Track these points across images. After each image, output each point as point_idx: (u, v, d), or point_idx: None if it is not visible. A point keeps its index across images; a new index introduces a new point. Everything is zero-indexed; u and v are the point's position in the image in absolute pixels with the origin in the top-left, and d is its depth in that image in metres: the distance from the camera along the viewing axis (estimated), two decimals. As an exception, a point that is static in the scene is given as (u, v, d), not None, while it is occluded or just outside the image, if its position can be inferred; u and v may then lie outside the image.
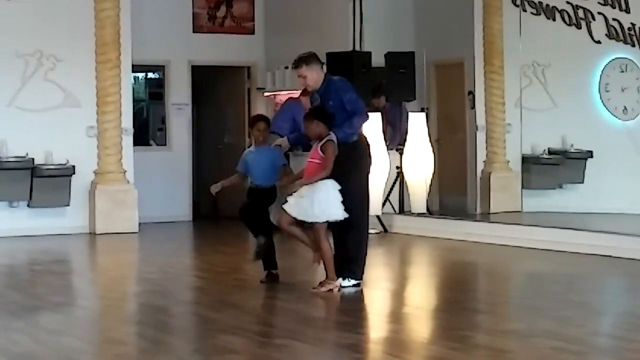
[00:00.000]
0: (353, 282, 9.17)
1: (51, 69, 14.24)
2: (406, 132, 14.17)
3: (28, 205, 14.04)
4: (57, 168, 13.96)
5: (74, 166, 14.05)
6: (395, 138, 14.44)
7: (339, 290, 8.97)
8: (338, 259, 9.13)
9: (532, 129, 14.60)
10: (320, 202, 8.84)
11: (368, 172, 9.31)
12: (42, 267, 11.52)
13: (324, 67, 14.31)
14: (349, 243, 9.13)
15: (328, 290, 8.96)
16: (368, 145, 9.32)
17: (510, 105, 14.77)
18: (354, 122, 9.09)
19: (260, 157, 9.46)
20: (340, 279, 9.06)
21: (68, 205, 14.14)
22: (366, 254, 9.30)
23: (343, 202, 8.97)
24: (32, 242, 13.37)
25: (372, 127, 13.89)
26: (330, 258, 8.99)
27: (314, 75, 9.20)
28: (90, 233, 14.16)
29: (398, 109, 14.69)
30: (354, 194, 9.04)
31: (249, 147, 10.03)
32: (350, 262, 9.16)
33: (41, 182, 13.87)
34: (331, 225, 9.11)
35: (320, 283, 9.05)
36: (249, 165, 9.58)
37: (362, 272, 9.26)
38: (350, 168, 9.02)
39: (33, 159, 13.91)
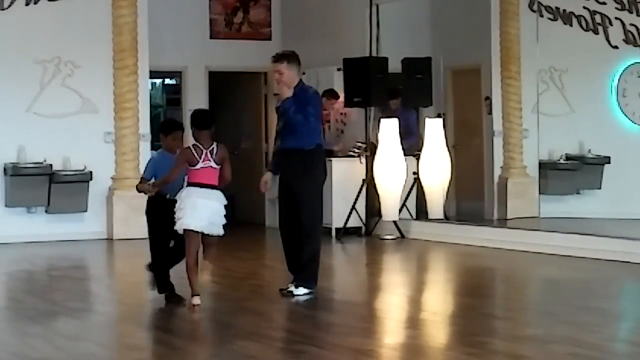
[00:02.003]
0: (305, 290, 9.14)
1: (69, 75, 14.30)
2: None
3: (46, 211, 14.09)
4: (74, 174, 14.00)
5: (91, 172, 14.09)
6: (409, 140, 14.41)
7: (193, 307, 8.55)
8: (292, 267, 9.18)
9: (549, 135, 14.56)
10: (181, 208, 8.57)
11: (322, 182, 9.33)
12: (60, 273, 11.57)
13: (341, 72, 14.52)
14: (302, 252, 9.12)
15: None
16: (324, 157, 9.43)
17: (527, 111, 14.74)
18: (313, 133, 9.14)
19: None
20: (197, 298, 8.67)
21: (86, 211, 14.18)
22: (319, 263, 9.26)
23: (297, 210, 9.00)
24: (50, 248, 13.42)
25: (389, 132, 13.94)
26: (195, 272, 8.62)
27: (291, 75, 9.23)
28: (107, 239, 14.20)
29: (412, 113, 14.70)
30: (307, 202, 9.10)
31: (157, 151, 9.31)
32: (303, 271, 9.16)
33: (59, 188, 13.92)
34: (284, 234, 9.07)
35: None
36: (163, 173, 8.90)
37: (316, 281, 9.23)
38: (303, 175, 9.09)
39: (51, 165, 13.96)
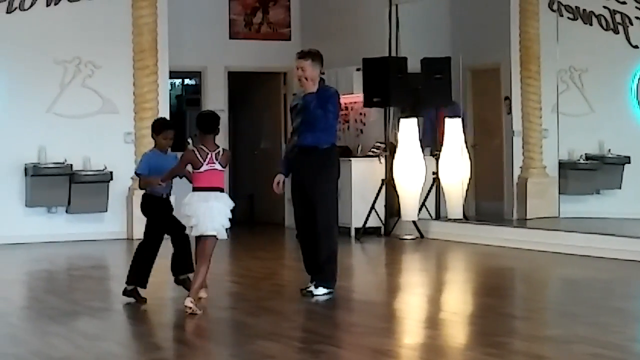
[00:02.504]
0: (325, 290, 9.16)
1: (89, 75, 14.36)
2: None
3: (66, 211, 14.15)
4: (95, 174, 14.06)
5: (111, 172, 14.14)
6: (426, 139, 14.41)
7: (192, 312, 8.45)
8: (310, 268, 9.21)
9: (569, 134, 14.52)
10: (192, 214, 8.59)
11: (337, 181, 9.36)
12: (81, 273, 11.61)
13: (360, 72, 14.52)
14: (319, 252, 9.13)
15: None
16: (338, 156, 9.49)
17: (547, 111, 14.70)
18: (330, 131, 9.20)
19: (167, 165, 9.06)
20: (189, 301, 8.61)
21: (106, 211, 14.23)
22: (337, 262, 9.28)
23: (312, 210, 9.03)
24: (70, 248, 13.47)
25: (408, 132, 13.93)
26: (204, 275, 8.63)
27: (314, 74, 9.24)
28: (127, 239, 14.24)
29: (433, 113, 14.69)
30: (323, 202, 9.12)
31: (150, 151, 9.37)
32: (322, 272, 9.17)
33: (79, 188, 13.98)
34: (300, 234, 9.12)
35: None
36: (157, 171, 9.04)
37: (335, 281, 9.25)
38: (318, 175, 9.13)
39: (71, 165, 14.01)
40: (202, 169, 8.48)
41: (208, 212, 8.46)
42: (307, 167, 9.17)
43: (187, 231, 8.74)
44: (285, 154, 9.65)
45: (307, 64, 9.21)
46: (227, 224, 8.59)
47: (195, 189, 8.56)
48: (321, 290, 9.14)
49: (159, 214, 9.18)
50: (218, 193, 8.54)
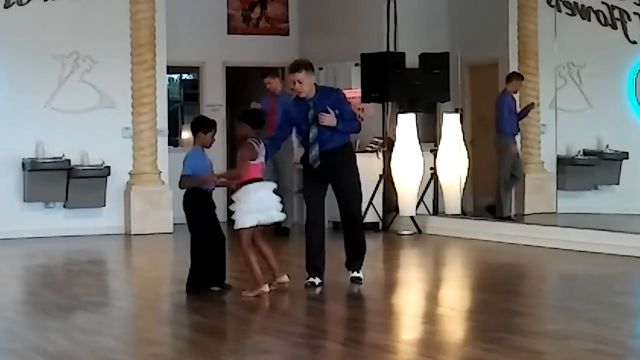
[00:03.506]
0: (360, 273, 9.59)
1: (87, 70, 14.34)
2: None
3: (64, 206, 14.13)
4: (92, 169, 14.04)
5: (109, 167, 14.13)
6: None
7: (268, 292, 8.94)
8: (350, 255, 9.58)
9: (567, 130, 14.53)
10: (240, 208, 8.95)
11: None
12: (78, 268, 11.60)
13: (358, 67, 14.51)
14: (356, 242, 9.59)
15: (256, 295, 8.89)
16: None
17: (545, 106, 14.70)
18: (351, 126, 9.51)
19: (207, 162, 9.37)
20: (267, 286, 9.03)
21: (104, 206, 14.22)
22: None
23: (347, 201, 9.45)
24: (68, 243, 13.47)
25: (406, 127, 13.93)
26: (256, 266, 8.99)
27: (309, 83, 9.43)
28: (125, 234, 14.23)
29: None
30: (355, 192, 9.59)
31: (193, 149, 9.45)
32: (360, 257, 9.63)
33: (77, 183, 13.97)
34: (313, 233, 9.39)
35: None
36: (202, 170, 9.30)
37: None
38: (349, 168, 9.51)
39: (69, 160, 14.00)
40: (257, 161, 8.98)
41: (263, 200, 8.98)
42: (337, 165, 9.41)
43: (252, 221, 8.93)
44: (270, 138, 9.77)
45: (303, 76, 9.37)
46: (279, 207, 9.15)
47: (250, 181, 8.93)
48: (361, 274, 9.56)
49: (207, 210, 9.23)
50: (267, 182, 9.14)
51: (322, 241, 9.49)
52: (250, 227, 8.94)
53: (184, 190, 9.26)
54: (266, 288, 8.95)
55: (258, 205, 8.92)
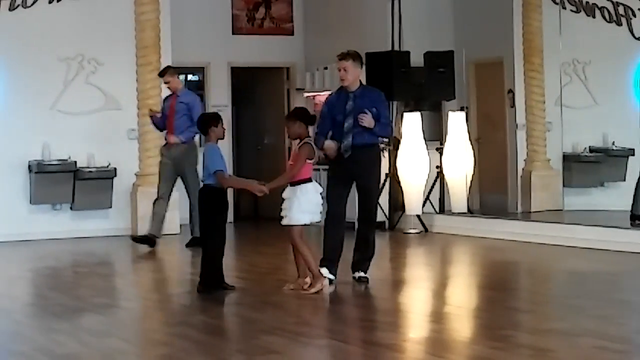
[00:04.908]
0: (367, 274, 9.65)
1: (92, 72, 14.35)
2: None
3: (71, 208, 14.15)
4: (99, 171, 14.06)
5: (115, 169, 14.15)
6: None
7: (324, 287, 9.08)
8: (360, 256, 9.64)
9: (573, 127, 14.52)
10: (291, 205, 9.04)
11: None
12: (85, 269, 11.62)
13: (363, 66, 14.50)
14: (368, 241, 9.66)
15: (316, 292, 9.01)
16: None
17: (551, 104, 14.70)
18: (385, 130, 9.71)
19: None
20: (327, 279, 9.25)
21: (110, 207, 14.24)
22: None
23: (367, 202, 9.52)
24: (75, 245, 13.48)
25: (412, 126, 13.93)
26: (312, 259, 9.10)
27: (355, 74, 9.59)
28: (132, 235, 14.23)
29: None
30: (376, 194, 9.80)
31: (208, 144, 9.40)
32: (371, 257, 9.70)
33: (83, 184, 13.98)
34: (334, 228, 9.40)
35: (310, 284, 9.12)
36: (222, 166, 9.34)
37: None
38: (375, 169, 9.68)
39: (75, 162, 14.02)
40: (312, 160, 9.06)
41: (319, 203, 9.09)
42: (364, 163, 9.48)
43: (306, 219, 9.04)
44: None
45: (349, 64, 9.55)
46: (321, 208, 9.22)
47: (304, 181, 8.99)
48: (368, 274, 9.62)
49: (225, 207, 9.29)
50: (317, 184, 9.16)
51: (342, 241, 9.51)
52: (304, 224, 9.04)
53: (191, 190, 9.24)
54: (326, 282, 9.07)
55: (313, 206, 9.03)
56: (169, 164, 12.77)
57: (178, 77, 13.15)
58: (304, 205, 8.99)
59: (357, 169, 9.45)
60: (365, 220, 9.67)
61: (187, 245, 12.60)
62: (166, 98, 13.18)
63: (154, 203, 12.87)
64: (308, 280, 9.18)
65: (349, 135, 9.39)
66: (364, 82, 14.35)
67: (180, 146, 12.68)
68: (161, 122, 12.90)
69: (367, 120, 9.36)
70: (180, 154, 12.67)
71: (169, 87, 13.00)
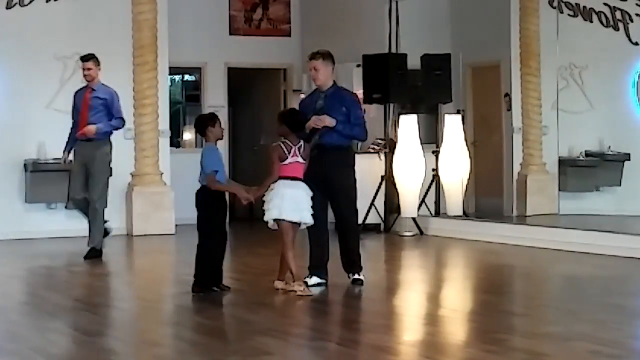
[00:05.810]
0: (361, 275, 9.55)
1: (89, 71, 14.32)
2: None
3: (66, 207, 14.13)
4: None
5: (111, 168, 14.10)
6: None
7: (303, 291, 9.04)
8: (345, 258, 9.57)
9: (569, 131, 14.54)
10: (267, 201, 9.17)
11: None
12: (80, 269, 11.60)
13: (360, 68, 14.52)
14: (351, 244, 9.56)
15: (291, 291, 9.09)
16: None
17: (547, 108, 14.71)
18: (354, 133, 9.61)
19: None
20: (309, 279, 9.35)
21: (105, 207, 14.18)
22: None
23: (341, 203, 9.45)
24: (70, 244, 13.45)
25: (408, 128, 13.93)
26: (292, 261, 9.11)
27: (326, 73, 9.62)
28: (127, 235, 14.24)
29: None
30: (351, 195, 9.55)
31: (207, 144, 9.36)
32: (359, 260, 9.58)
33: (79, 184, 13.95)
34: (316, 230, 9.41)
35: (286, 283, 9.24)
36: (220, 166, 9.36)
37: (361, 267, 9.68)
38: (345, 172, 9.53)
39: (71, 161, 13.95)
40: (287, 162, 9.10)
41: (292, 199, 9.07)
42: (333, 165, 9.42)
43: (272, 215, 9.12)
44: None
45: (320, 64, 9.57)
46: (308, 208, 9.16)
47: (279, 178, 9.12)
48: (362, 275, 9.53)
49: (222, 207, 9.32)
50: (296, 181, 9.14)
51: (325, 245, 9.48)
52: (282, 221, 9.07)
53: (196, 188, 9.20)
54: (299, 288, 9.03)
55: (279, 200, 9.04)
56: (82, 162, 11.99)
57: (100, 69, 12.16)
58: (273, 201, 9.08)
59: (330, 171, 9.37)
60: (341, 226, 9.52)
61: (86, 258, 11.82)
62: (77, 91, 12.27)
63: (75, 206, 12.21)
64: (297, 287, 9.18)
65: (316, 133, 9.40)
66: (360, 83, 14.56)
67: (94, 142, 11.87)
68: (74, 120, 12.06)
69: (326, 120, 9.34)
70: (92, 150, 11.88)
71: (86, 75, 12.06)
